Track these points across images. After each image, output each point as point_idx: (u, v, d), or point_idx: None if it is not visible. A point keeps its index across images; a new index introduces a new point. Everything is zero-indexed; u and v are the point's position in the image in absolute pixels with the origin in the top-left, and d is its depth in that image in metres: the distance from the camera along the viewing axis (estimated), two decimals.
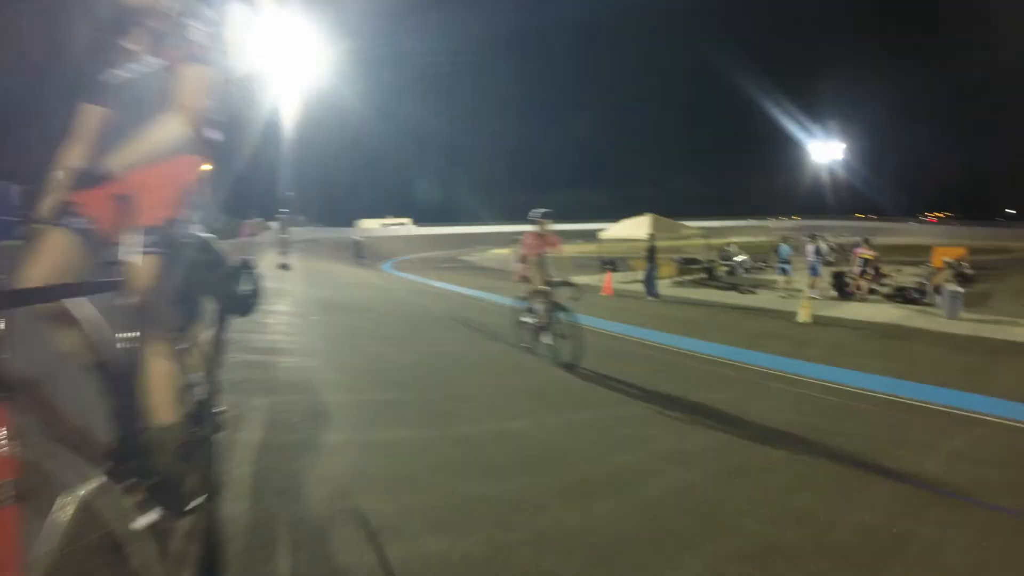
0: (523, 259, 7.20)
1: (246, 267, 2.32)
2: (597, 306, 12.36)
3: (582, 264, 26.34)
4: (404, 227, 78.25)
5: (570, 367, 6.20)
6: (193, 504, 1.93)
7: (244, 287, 2.34)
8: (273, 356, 6.28)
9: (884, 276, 13.83)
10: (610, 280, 15.96)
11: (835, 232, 27.39)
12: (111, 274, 1.89)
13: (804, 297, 10.75)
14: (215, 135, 2.28)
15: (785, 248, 15.52)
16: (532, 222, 7.12)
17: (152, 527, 1.76)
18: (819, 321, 9.79)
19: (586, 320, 10.47)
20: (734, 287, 15.26)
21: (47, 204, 1.96)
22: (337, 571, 2.32)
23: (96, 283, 1.92)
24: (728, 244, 19.15)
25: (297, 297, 12.53)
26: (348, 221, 70.43)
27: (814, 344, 7.94)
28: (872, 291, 13.14)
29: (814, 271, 13.70)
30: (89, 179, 1.89)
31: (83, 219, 1.95)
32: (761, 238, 36.48)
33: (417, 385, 5.56)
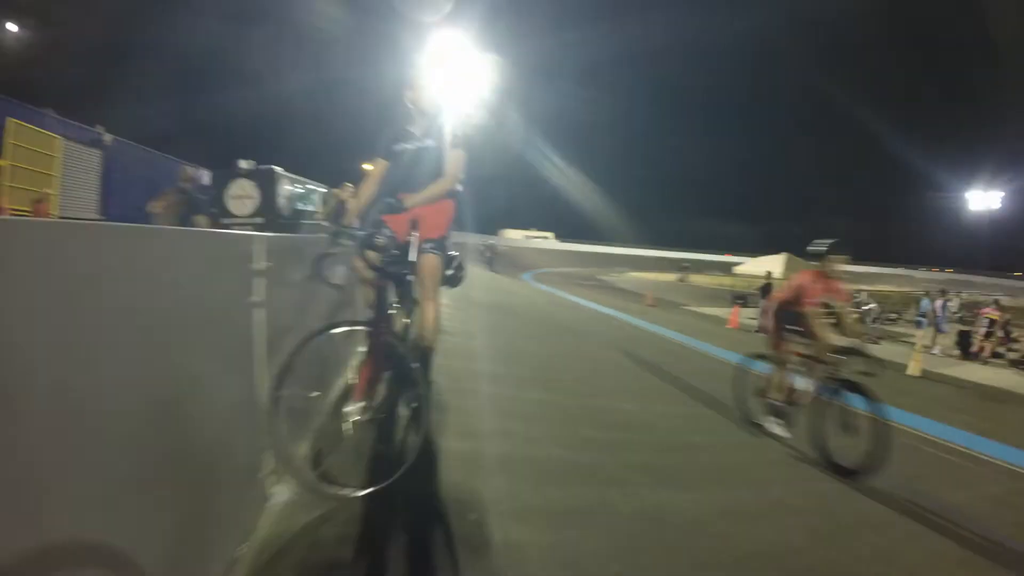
0: (784, 306, 5.22)
1: (455, 258, 4.01)
2: (718, 335, 13.31)
3: (717, 296, 26.80)
4: (546, 240, 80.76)
5: (850, 474, 4.37)
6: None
7: (457, 272, 4.03)
8: (442, 335, 8.14)
9: (1015, 340, 13.53)
10: (737, 314, 16.70)
11: (986, 290, 25.66)
12: (403, 263, 3.58)
13: (917, 351, 11.05)
14: (460, 188, 3.98)
15: (927, 302, 15.35)
16: (813, 256, 5.11)
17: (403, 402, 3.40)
18: (928, 376, 10.16)
19: (697, 344, 11.61)
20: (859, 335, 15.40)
21: (348, 218, 3.76)
22: (493, 456, 3.90)
23: (398, 265, 3.59)
24: (858, 291, 19.03)
25: (451, 294, 14.64)
26: (493, 229, 73.70)
27: (911, 395, 8.54)
28: (997, 354, 12.92)
29: (939, 327, 13.71)
30: (395, 209, 3.64)
31: (389, 231, 3.69)
32: (906, 288, 34.65)
33: (555, 369, 7.15)
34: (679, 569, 2.76)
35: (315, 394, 3.38)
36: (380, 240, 3.30)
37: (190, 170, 8.07)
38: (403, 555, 2.53)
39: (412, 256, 3.56)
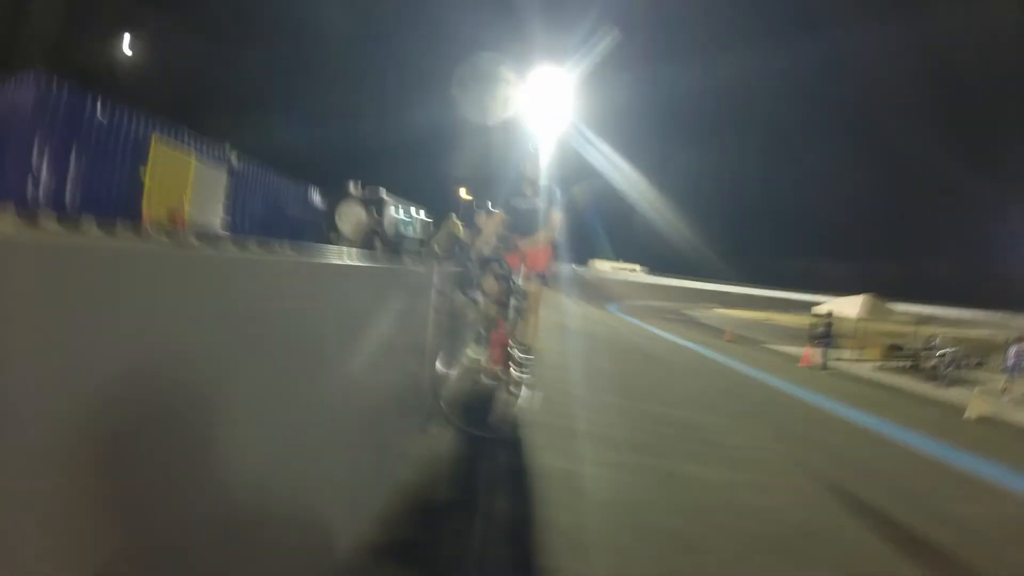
0: None
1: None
2: (784, 370, 14.12)
3: (797, 335, 26.91)
4: (634, 273, 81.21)
5: None
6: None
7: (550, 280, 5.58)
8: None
9: None
10: (809, 353, 17.25)
11: None
12: (515, 287, 5.21)
13: (975, 395, 11.28)
14: (558, 237, 5.55)
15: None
16: None
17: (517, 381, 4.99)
18: (986, 421, 10.53)
19: (760, 375, 12.56)
20: (935, 379, 15.59)
21: (475, 252, 5.43)
22: (571, 429, 5.35)
23: (513, 289, 5.23)
24: (934, 334, 18.97)
25: (545, 321, 16.24)
26: (584, 259, 74.85)
27: (954, 433, 9.09)
28: None
29: (1014, 373, 13.71)
30: (510, 248, 5.27)
31: (507, 264, 5.31)
32: (1005, 334, 32.94)
33: (627, 383, 8.53)
34: (691, 501, 4.11)
35: (460, 367, 5.11)
36: (504, 271, 5.00)
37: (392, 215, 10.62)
38: (505, 471, 4.07)
39: (522, 283, 5.21)
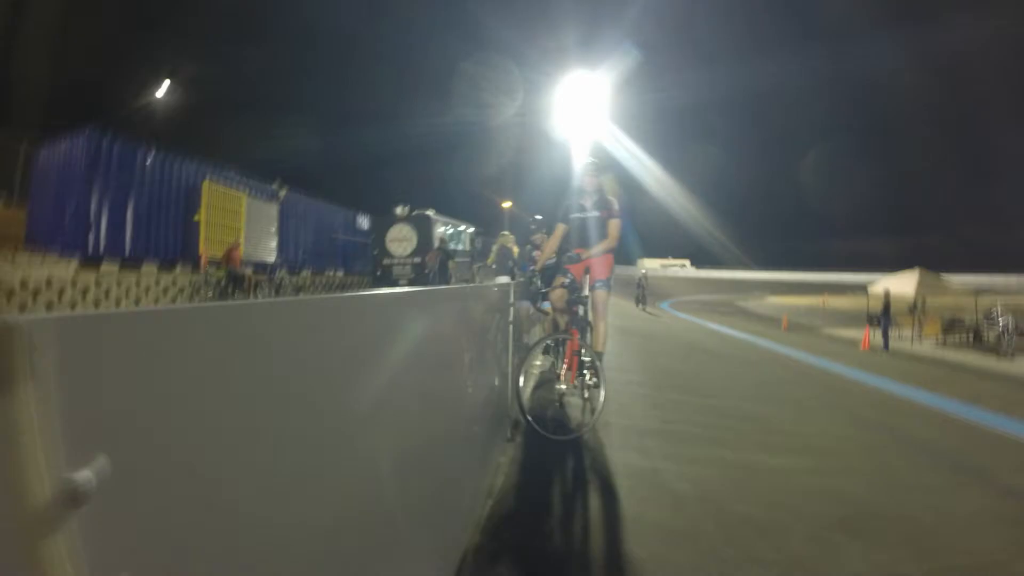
0: None
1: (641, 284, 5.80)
2: (845, 355, 13.83)
3: (854, 318, 26.16)
4: (682, 268, 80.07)
5: None
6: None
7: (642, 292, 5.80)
8: None
9: None
10: (868, 334, 16.80)
11: None
12: (580, 296, 5.46)
13: None
14: (615, 245, 5.76)
15: None
16: None
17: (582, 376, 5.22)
18: None
19: (820, 362, 12.41)
20: (998, 351, 14.91)
21: (539, 265, 5.72)
22: (642, 428, 5.54)
23: (579, 298, 5.49)
24: (992, 305, 18.03)
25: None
26: (632, 259, 74.27)
27: (1015, 403, 8.87)
28: None
29: None
30: (574, 260, 5.52)
31: (571, 276, 5.56)
32: None
33: (688, 380, 8.64)
34: (766, 488, 4.26)
35: (534, 377, 5.39)
36: (570, 281, 5.27)
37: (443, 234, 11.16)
38: (587, 471, 4.31)
39: (586, 292, 5.46)
